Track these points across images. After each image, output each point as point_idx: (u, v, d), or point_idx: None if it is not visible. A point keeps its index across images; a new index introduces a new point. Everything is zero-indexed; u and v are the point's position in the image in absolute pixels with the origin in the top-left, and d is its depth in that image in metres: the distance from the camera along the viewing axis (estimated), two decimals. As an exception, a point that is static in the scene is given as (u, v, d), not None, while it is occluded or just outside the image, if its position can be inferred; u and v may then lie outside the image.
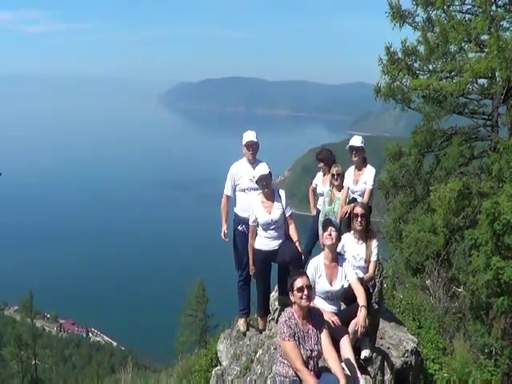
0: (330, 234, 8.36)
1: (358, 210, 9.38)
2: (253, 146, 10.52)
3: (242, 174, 10.57)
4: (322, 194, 12.55)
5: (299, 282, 7.11)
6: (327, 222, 8.51)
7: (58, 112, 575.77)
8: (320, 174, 12.83)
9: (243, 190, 10.58)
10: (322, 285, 8.41)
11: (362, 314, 8.12)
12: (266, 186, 9.83)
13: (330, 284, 8.42)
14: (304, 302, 7.09)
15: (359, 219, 9.33)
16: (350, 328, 8.29)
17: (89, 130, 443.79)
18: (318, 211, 12.62)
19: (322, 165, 12.56)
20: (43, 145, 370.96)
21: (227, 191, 10.73)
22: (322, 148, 13.05)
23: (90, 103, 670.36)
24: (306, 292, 7.06)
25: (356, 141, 11.25)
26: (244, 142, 10.52)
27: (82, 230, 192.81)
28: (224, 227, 10.97)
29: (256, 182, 9.93)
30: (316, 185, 12.92)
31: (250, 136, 10.56)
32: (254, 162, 10.48)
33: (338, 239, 8.61)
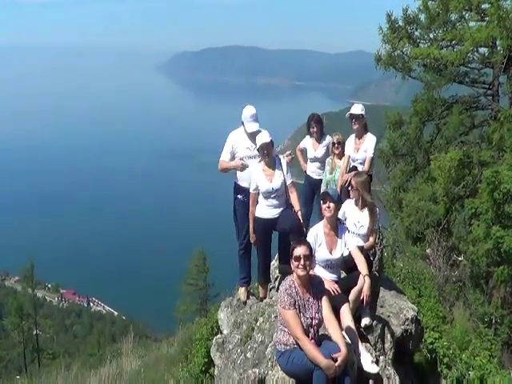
0: (329, 207, 8.35)
1: (353, 181, 9.40)
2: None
3: (240, 142, 10.43)
4: (313, 160, 12.51)
5: (297, 251, 7.12)
6: (325, 195, 8.48)
7: (58, 82, 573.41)
8: (309, 139, 12.73)
9: (241, 159, 10.43)
10: (321, 253, 8.42)
11: (366, 283, 8.11)
12: (267, 154, 9.76)
13: (330, 252, 8.42)
14: (300, 272, 7.11)
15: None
16: (351, 296, 8.31)
17: (89, 100, 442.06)
18: (307, 178, 12.67)
19: (317, 129, 12.48)
20: (43, 115, 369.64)
21: (225, 157, 10.57)
22: (311, 114, 12.89)
23: (90, 73, 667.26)
24: (302, 262, 7.07)
25: (356, 109, 11.20)
26: (244, 118, 10.26)
27: (83, 200, 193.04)
28: (235, 163, 10.37)
29: (257, 149, 9.86)
30: (305, 147, 12.82)
31: (250, 111, 10.25)
32: None
33: (337, 209, 8.62)
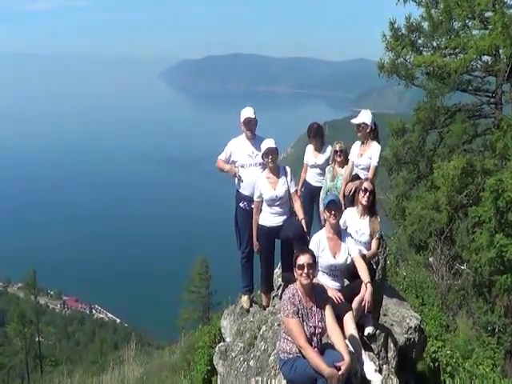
0: (335, 214, 8.34)
1: (367, 185, 9.32)
2: (251, 123, 10.40)
3: (240, 150, 10.48)
4: (314, 166, 12.47)
5: (301, 260, 7.11)
6: (330, 203, 8.43)
7: (59, 88, 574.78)
8: (310, 146, 12.70)
9: (242, 166, 10.47)
10: (325, 259, 8.39)
11: (368, 290, 8.11)
12: (272, 160, 9.78)
13: (334, 257, 8.39)
14: (303, 280, 7.10)
15: (367, 194, 9.25)
16: (354, 305, 8.29)
17: (89, 107, 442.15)
18: (306, 185, 12.63)
19: (316, 140, 12.44)
20: (44, 121, 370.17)
21: (222, 157, 10.64)
22: (311, 124, 12.82)
23: (91, 81, 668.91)
24: (305, 270, 7.06)
25: (357, 118, 11.12)
26: (242, 120, 10.38)
27: (84, 206, 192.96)
28: (230, 167, 10.58)
29: (262, 155, 9.88)
30: (307, 161, 12.78)
31: (247, 113, 10.40)
32: (252, 138, 10.43)
33: (341, 214, 8.63)
